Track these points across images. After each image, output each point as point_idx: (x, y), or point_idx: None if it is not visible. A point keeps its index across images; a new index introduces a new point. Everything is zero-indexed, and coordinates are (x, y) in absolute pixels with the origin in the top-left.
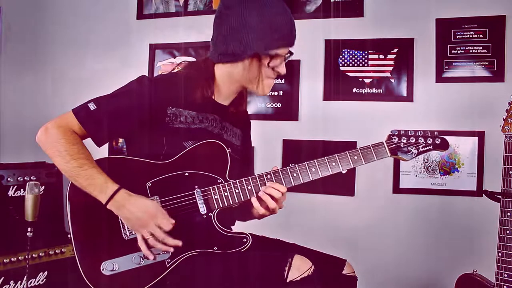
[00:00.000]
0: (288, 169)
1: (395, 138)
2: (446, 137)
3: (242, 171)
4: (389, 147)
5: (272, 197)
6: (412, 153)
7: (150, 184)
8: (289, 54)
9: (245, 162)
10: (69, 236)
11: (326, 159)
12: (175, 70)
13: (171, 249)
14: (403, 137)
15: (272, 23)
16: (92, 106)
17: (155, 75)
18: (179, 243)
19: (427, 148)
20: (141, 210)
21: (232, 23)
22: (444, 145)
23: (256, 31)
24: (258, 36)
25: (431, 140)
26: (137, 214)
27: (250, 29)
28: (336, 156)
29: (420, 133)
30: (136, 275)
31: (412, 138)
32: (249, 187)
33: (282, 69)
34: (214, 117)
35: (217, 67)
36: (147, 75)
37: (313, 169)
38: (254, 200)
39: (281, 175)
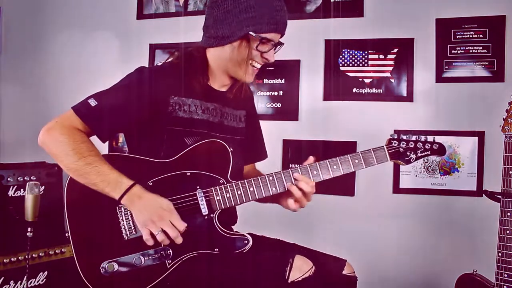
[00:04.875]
0: (290, 171)
1: (395, 142)
2: (446, 137)
3: (249, 152)
4: (389, 151)
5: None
6: (411, 158)
7: (151, 184)
8: (279, 46)
9: (252, 142)
10: (67, 235)
11: (327, 162)
12: (168, 60)
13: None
14: (403, 142)
15: (266, 6)
16: (92, 102)
17: None
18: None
19: (425, 153)
20: (158, 206)
21: (228, 6)
22: (442, 151)
23: (249, 12)
24: (250, 17)
25: (429, 145)
26: (153, 208)
27: (244, 10)
28: (338, 160)
29: (419, 138)
30: (136, 276)
31: (411, 143)
32: (251, 189)
33: (271, 57)
34: (214, 106)
35: (209, 52)
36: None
37: (315, 172)
38: (293, 189)
39: (283, 177)
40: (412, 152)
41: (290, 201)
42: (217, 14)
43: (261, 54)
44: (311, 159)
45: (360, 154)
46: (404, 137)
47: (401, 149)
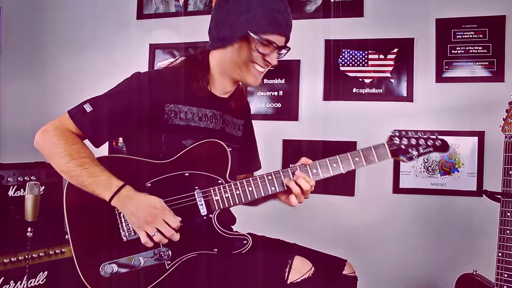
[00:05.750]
0: (289, 170)
1: (396, 139)
2: (446, 137)
3: (244, 161)
4: (390, 148)
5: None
6: (413, 155)
7: (149, 185)
8: (285, 50)
9: (248, 151)
10: (66, 237)
11: (327, 160)
12: (170, 65)
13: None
14: (404, 139)
15: (267, 7)
16: (88, 108)
17: None
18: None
19: (428, 150)
20: (148, 206)
21: (229, 7)
22: (445, 147)
23: (249, 13)
24: (250, 18)
25: (431, 142)
26: (144, 209)
27: (244, 12)
28: (338, 157)
29: (421, 134)
30: (135, 277)
31: (413, 139)
32: (250, 188)
33: (273, 60)
34: (213, 113)
35: (211, 56)
36: (141, 71)
37: (314, 171)
38: (293, 186)
39: (282, 176)
40: (414, 149)
41: (291, 197)
42: (219, 15)
43: (263, 57)
44: (308, 161)
45: (361, 152)
46: (406, 134)
47: (402, 146)
